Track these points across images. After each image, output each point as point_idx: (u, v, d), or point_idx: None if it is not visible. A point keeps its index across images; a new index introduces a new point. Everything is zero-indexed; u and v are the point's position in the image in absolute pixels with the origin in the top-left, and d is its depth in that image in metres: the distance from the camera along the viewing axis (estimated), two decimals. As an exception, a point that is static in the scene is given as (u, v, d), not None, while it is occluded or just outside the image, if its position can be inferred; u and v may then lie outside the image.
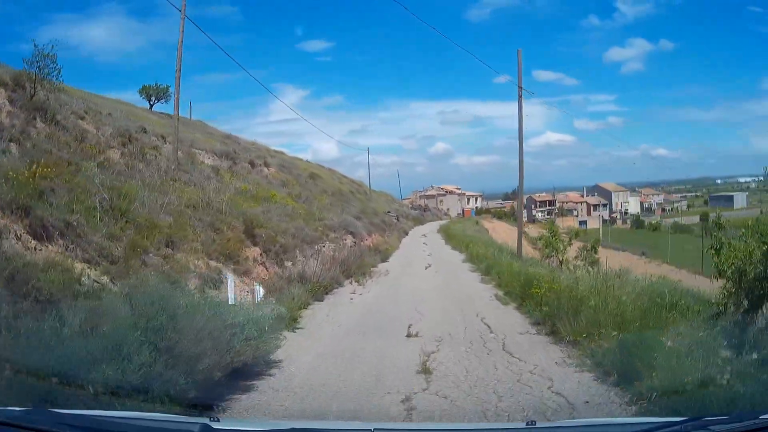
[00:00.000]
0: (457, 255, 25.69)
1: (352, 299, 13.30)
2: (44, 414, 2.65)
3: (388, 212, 45.23)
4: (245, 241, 15.02)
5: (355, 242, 24.56)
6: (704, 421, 2.34)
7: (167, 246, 11.20)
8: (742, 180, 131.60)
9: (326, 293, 14.07)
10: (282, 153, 41.08)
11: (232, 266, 12.84)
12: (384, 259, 23.78)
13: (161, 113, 33.61)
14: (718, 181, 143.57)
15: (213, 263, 12.40)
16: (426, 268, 20.36)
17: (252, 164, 27.22)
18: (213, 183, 17.36)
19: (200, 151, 23.11)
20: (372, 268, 20.35)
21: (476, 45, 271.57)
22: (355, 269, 18.35)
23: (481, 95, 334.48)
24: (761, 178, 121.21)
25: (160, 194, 12.92)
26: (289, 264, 15.75)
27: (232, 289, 10.43)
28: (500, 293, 13.23)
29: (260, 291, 11.31)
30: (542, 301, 9.44)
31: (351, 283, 16.38)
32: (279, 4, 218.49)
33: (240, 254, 13.81)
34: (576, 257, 20.72)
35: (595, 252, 20.58)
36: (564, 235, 24.77)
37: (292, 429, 2.60)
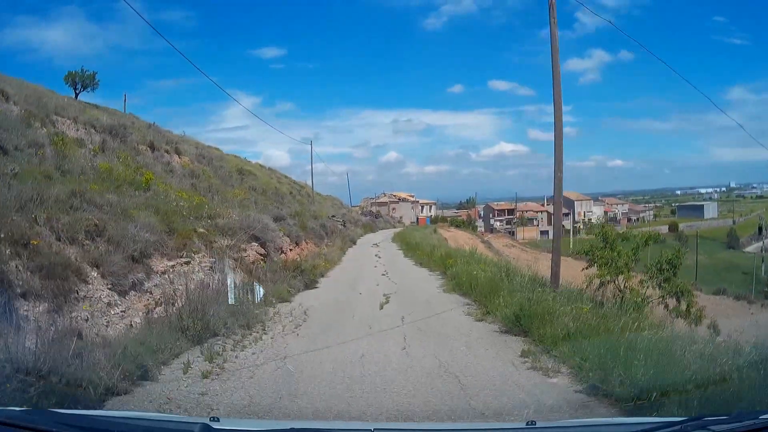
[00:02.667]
0: (427, 276, 16.89)
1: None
2: (44, 414, 2.59)
3: (333, 216, 36.20)
4: None
5: (265, 255, 14.90)
6: (704, 421, 2.27)
7: None
8: (702, 191, 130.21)
9: None
10: (217, 149, 36.56)
11: None
12: (310, 285, 14.40)
13: (87, 103, 27.68)
14: (678, 192, 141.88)
15: None
16: (381, 308, 11.12)
17: (152, 147, 21.31)
18: (46, 152, 12.84)
19: (67, 120, 17.26)
20: (279, 305, 11.10)
21: (430, 53, 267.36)
22: (229, 317, 8.72)
23: (434, 105, 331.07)
24: (723, 189, 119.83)
25: None
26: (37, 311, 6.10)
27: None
28: None
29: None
30: None
31: (190, 369, 6.78)
32: (233, 9, 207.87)
33: None
34: (641, 283, 11.81)
35: (675, 273, 11.71)
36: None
37: (292, 429, 2.48)
